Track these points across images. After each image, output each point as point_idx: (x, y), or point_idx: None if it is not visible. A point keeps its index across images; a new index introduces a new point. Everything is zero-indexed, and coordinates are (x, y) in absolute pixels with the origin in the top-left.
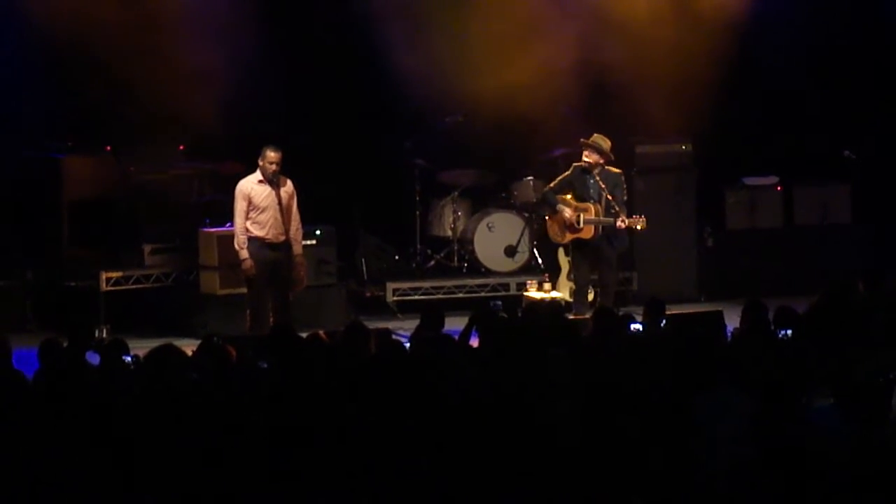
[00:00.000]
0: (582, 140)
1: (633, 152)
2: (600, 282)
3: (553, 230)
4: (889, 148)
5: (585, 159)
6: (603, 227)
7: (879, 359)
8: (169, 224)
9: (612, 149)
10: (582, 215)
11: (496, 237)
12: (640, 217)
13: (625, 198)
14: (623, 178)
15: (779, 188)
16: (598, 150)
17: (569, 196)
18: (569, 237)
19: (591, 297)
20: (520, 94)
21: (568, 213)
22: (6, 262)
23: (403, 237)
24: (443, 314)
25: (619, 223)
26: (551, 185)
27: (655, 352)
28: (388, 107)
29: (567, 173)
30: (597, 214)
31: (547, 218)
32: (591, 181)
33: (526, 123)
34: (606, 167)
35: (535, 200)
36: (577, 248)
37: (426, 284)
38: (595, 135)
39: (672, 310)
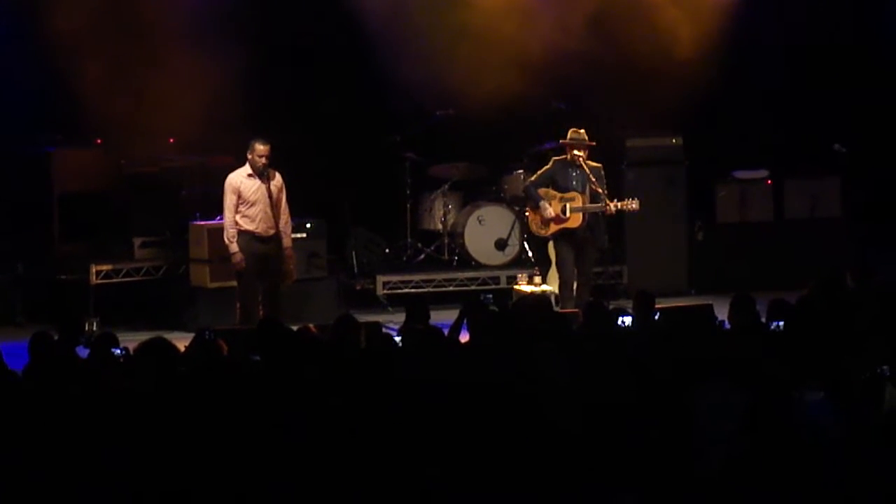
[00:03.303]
0: (569, 142)
1: (624, 146)
2: (580, 274)
3: (535, 223)
4: (879, 141)
5: (576, 156)
6: (588, 218)
7: (870, 352)
8: (159, 217)
9: (598, 141)
10: (568, 205)
11: (486, 230)
12: (633, 199)
13: (605, 191)
14: (602, 171)
15: (769, 182)
16: (586, 144)
17: (550, 189)
18: (554, 228)
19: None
20: (510, 88)
21: (549, 212)
22: None
23: (394, 230)
24: (427, 306)
25: (610, 207)
26: (532, 179)
27: (645, 345)
28: (378, 100)
29: (547, 167)
30: (583, 203)
31: (528, 211)
32: (574, 173)
33: (516, 117)
34: (587, 161)
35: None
36: (562, 241)
37: (416, 277)
38: (573, 130)
39: (662, 303)
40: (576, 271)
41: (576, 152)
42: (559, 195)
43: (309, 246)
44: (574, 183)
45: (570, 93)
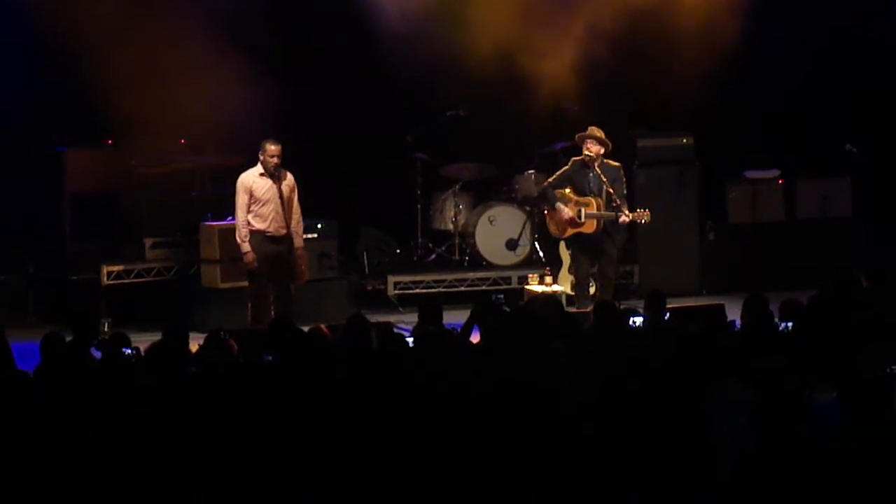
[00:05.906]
0: (580, 135)
1: (635, 145)
2: (600, 275)
3: (553, 225)
4: (890, 141)
5: (587, 152)
6: (604, 221)
7: (882, 352)
8: (170, 218)
9: (611, 141)
10: (583, 209)
11: (497, 230)
12: (644, 211)
13: (625, 191)
14: (622, 171)
15: (780, 182)
16: (599, 140)
17: (568, 190)
18: (570, 232)
19: (592, 290)
20: (521, 88)
21: (567, 213)
22: (8, 255)
23: (405, 231)
24: (440, 307)
25: (621, 217)
26: (550, 179)
27: (657, 345)
28: (389, 100)
29: (566, 168)
30: (598, 209)
31: (546, 213)
32: (591, 175)
33: (527, 117)
34: (606, 160)
35: (535, 194)
36: (578, 242)
37: (427, 278)
38: (590, 127)
39: (673, 303)
40: (592, 272)
41: (587, 151)
42: (575, 198)
43: (320, 246)
44: (591, 185)
45: (581, 93)
